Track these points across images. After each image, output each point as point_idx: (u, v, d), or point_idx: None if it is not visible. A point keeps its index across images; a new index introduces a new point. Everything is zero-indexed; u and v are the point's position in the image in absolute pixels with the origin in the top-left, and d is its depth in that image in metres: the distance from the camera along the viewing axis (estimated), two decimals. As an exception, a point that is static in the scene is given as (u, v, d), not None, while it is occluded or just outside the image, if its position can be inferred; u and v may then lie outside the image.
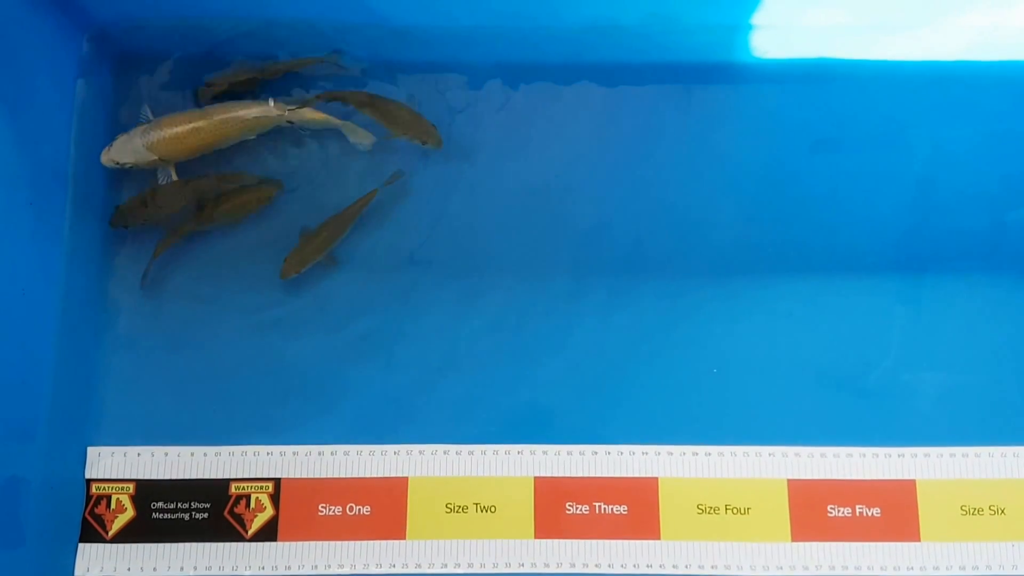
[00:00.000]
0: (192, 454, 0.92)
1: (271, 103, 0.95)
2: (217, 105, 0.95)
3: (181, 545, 0.90)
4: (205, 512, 0.91)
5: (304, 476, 0.91)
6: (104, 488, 0.92)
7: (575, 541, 0.90)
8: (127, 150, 0.94)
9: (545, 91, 0.99)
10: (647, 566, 0.89)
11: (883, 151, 0.98)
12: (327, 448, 0.92)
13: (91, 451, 0.92)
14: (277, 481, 0.91)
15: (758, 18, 0.97)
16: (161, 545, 0.91)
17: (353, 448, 0.92)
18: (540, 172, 0.98)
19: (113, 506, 0.91)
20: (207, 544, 0.90)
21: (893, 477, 0.91)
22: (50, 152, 0.95)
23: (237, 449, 0.92)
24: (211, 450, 0.92)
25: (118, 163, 0.95)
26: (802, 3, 0.96)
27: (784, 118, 0.99)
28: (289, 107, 0.95)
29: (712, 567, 0.89)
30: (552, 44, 0.99)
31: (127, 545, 0.91)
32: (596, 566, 0.89)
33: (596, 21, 0.97)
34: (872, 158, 0.98)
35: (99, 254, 0.96)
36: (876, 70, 0.99)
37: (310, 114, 0.95)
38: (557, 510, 0.90)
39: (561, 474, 0.91)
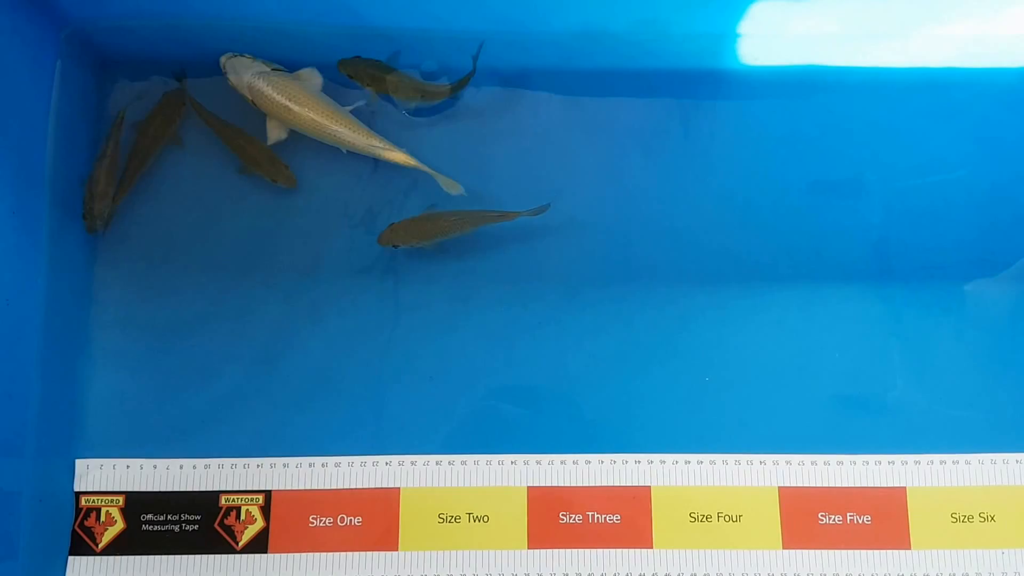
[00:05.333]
0: (181, 466, 0.92)
1: (387, 145, 0.93)
2: (323, 104, 0.94)
3: (171, 557, 0.90)
4: (195, 524, 0.91)
5: (295, 488, 0.91)
6: (93, 501, 0.91)
7: (569, 550, 0.90)
8: (238, 69, 0.94)
9: (533, 97, 0.98)
10: (640, 574, 0.90)
11: (872, 159, 0.98)
12: (318, 460, 0.92)
13: (79, 464, 0.92)
14: (268, 493, 0.91)
15: (746, 27, 0.96)
16: (151, 557, 0.90)
17: (344, 459, 0.92)
18: (528, 179, 0.97)
19: (103, 519, 0.91)
20: (197, 556, 0.90)
21: (883, 484, 0.91)
22: (29, 158, 0.93)
23: (227, 461, 0.92)
24: (200, 462, 0.92)
25: (225, 72, 0.94)
26: (790, 12, 0.95)
27: (773, 126, 0.98)
28: (385, 146, 0.93)
29: (704, 575, 0.90)
30: (541, 50, 0.98)
31: (117, 558, 0.90)
32: (589, 575, 0.89)
33: (585, 28, 0.96)
34: (861, 166, 0.98)
35: (82, 262, 0.95)
36: (864, 78, 0.99)
37: (401, 157, 0.94)
38: (550, 519, 0.91)
39: (554, 483, 0.91)
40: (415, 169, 0.94)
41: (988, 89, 0.99)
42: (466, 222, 0.93)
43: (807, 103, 0.98)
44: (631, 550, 0.90)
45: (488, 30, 0.97)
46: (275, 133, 0.96)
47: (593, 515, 0.91)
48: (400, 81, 0.96)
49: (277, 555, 0.90)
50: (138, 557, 0.90)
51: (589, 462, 0.92)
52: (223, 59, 0.95)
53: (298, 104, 0.93)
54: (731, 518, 0.91)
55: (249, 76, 0.93)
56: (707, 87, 0.99)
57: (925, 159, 0.98)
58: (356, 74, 0.95)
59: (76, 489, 0.91)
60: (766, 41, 0.98)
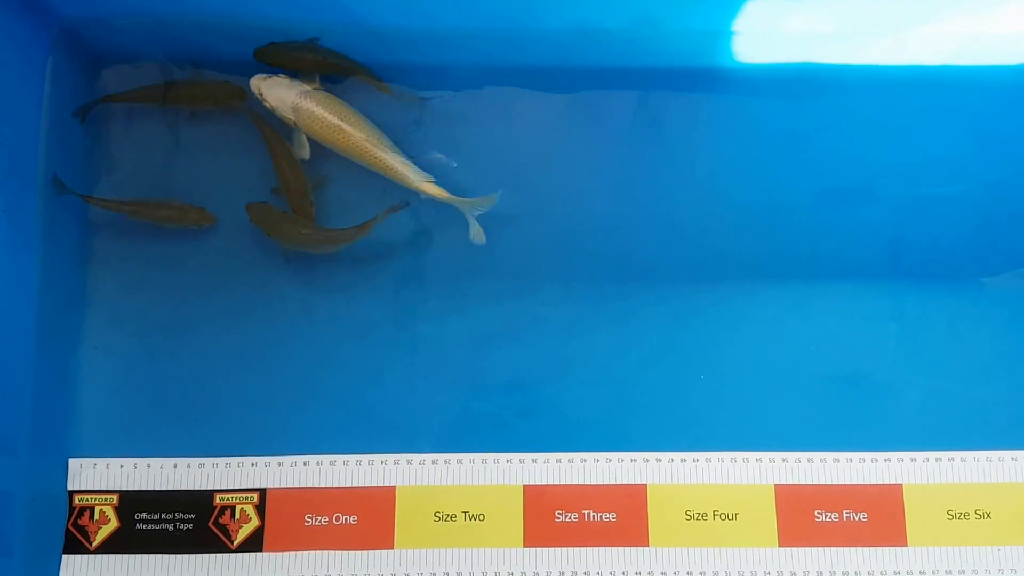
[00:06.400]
0: (175, 465, 0.91)
1: (423, 177, 0.92)
2: (369, 126, 0.92)
3: (166, 556, 0.90)
4: (189, 523, 0.90)
5: (290, 486, 0.91)
6: (87, 499, 0.91)
7: (564, 549, 0.90)
8: (278, 95, 0.92)
9: (528, 95, 0.98)
10: (636, 573, 0.89)
11: (867, 156, 0.97)
12: (313, 458, 0.91)
13: (73, 463, 0.91)
14: (262, 491, 0.91)
15: (741, 24, 0.96)
16: (146, 556, 0.90)
17: (340, 458, 0.91)
18: (523, 177, 0.97)
19: (97, 517, 0.90)
20: (192, 555, 0.90)
21: (880, 482, 0.91)
22: (20, 155, 0.93)
23: (221, 460, 0.91)
24: (195, 461, 0.91)
25: (262, 96, 0.92)
26: (785, 9, 0.95)
27: (768, 124, 0.98)
28: (421, 177, 0.92)
29: (700, 573, 0.90)
30: (535, 48, 0.98)
31: (111, 556, 0.90)
32: (585, 573, 0.89)
33: (580, 25, 0.96)
34: (857, 164, 0.97)
35: (74, 261, 0.95)
36: (859, 76, 0.99)
37: (435, 190, 0.93)
38: (546, 518, 0.90)
39: (550, 482, 0.91)
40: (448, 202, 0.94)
41: (985, 87, 0.98)
42: (331, 240, 0.92)
43: (802, 101, 0.98)
44: (627, 548, 0.90)
45: (482, 27, 0.96)
46: (304, 149, 0.95)
47: (589, 513, 0.91)
48: (323, 59, 0.95)
49: (272, 554, 0.90)
50: (132, 556, 0.90)
51: (585, 460, 0.91)
52: (256, 81, 0.93)
53: (349, 124, 0.92)
54: (727, 516, 0.91)
55: (294, 96, 0.92)
56: (703, 85, 0.98)
57: (922, 157, 0.97)
58: (276, 61, 0.95)
59: (69, 488, 0.91)
60: (762, 39, 0.97)
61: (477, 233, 0.93)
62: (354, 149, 0.92)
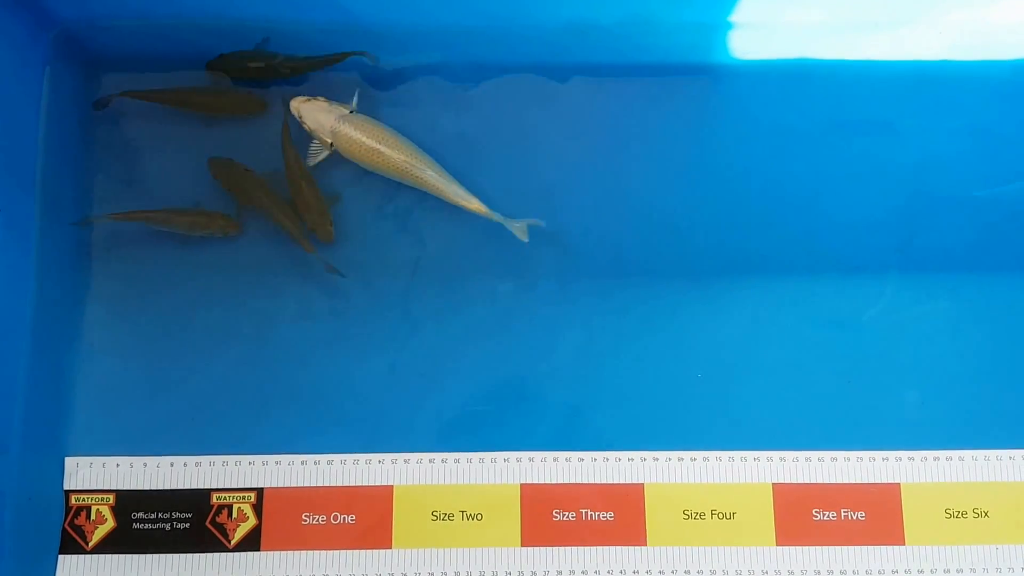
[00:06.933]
0: (172, 464, 0.91)
1: (466, 195, 0.93)
2: (406, 145, 0.93)
3: (163, 556, 0.90)
4: (186, 522, 0.90)
5: (287, 485, 0.91)
6: (83, 499, 0.90)
7: (562, 548, 0.90)
8: (316, 118, 0.93)
9: (523, 92, 0.98)
10: (633, 572, 0.89)
11: (864, 151, 0.97)
12: (310, 457, 0.91)
13: (69, 461, 0.91)
14: (260, 491, 0.91)
15: (737, 16, 0.96)
16: (142, 556, 0.90)
17: (337, 457, 0.91)
18: (518, 174, 0.97)
19: (93, 516, 0.90)
20: (189, 555, 0.90)
21: (878, 481, 0.91)
22: (18, 157, 0.93)
23: (218, 459, 0.91)
24: (191, 460, 0.91)
25: (300, 118, 0.93)
26: (782, 1, 0.95)
27: (764, 118, 0.98)
28: (462, 194, 0.93)
29: (698, 572, 0.89)
30: (530, 45, 0.98)
31: (108, 556, 0.90)
32: (583, 573, 0.89)
33: (574, 21, 0.96)
34: (853, 158, 0.97)
35: (71, 260, 0.95)
36: (857, 69, 0.99)
37: (478, 206, 0.93)
38: (544, 517, 0.90)
39: (547, 481, 0.91)
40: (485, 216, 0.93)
41: (982, 81, 0.98)
42: (271, 215, 0.93)
43: (799, 95, 0.98)
44: (625, 548, 0.90)
45: (475, 25, 0.96)
46: (318, 157, 0.95)
47: (586, 512, 0.90)
48: (269, 64, 0.95)
49: (270, 553, 0.90)
50: (129, 555, 0.90)
51: (582, 459, 0.91)
52: (295, 104, 0.93)
53: (388, 146, 0.92)
54: (725, 515, 0.90)
55: (333, 120, 0.92)
56: (697, 80, 0.98)
57: (919, 152, 0.97)
58: (227, 72, 0.95)
59: (66, 487, 0.91)
60: (756, 32, 0.97)
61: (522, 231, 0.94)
62: (395, 170, 0.93)
